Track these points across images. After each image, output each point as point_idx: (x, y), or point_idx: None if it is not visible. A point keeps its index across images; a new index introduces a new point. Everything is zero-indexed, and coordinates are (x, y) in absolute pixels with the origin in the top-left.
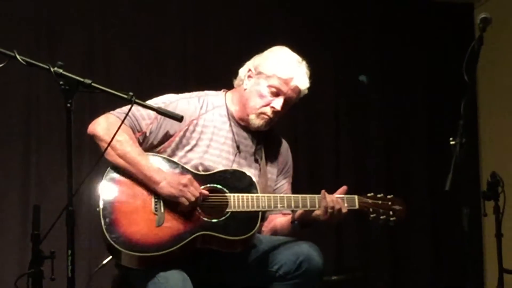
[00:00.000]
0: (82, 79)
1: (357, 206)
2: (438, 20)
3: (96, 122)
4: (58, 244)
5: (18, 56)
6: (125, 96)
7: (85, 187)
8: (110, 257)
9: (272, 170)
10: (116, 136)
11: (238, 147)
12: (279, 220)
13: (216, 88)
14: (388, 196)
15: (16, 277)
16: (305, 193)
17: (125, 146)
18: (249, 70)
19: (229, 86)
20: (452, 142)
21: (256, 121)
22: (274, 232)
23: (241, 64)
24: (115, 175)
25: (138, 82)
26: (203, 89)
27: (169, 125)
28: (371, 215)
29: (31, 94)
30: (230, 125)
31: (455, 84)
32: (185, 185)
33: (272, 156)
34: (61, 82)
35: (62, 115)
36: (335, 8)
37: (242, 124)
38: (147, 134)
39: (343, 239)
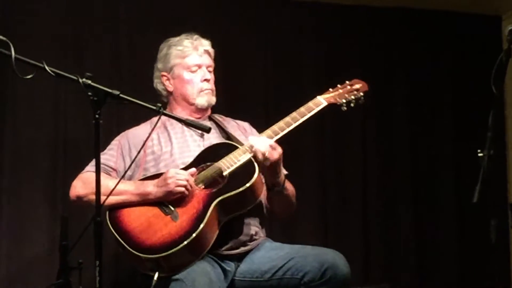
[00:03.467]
0: (110, 90)
1: (325, 103)
2: (466, 32)
3: (72, 187)
4: (86, 255)
5: (47, 67)
6: (154, 107)
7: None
8: (157, 273)
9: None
10: (93, 184)
11: (202, 136)
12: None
13: None
14: (346, 82)
15: (44, 287)
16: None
17: (106, 184)
18: (162, 76)
19: None
20: (480, 154)
21: (202, 100)
22: (274, 203)
23: None
24: (116, 212)
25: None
26: None
27: (133, 152)
28: (342, 104)
29: (58, 106)
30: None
31: (483, 96)
32: (171, 177)
33: (232, 129)
34: (89, 93)
35: (90, 127)
36: (359, 23)
37: (195, 118)
38: (120, 170)
39: (370, 251)
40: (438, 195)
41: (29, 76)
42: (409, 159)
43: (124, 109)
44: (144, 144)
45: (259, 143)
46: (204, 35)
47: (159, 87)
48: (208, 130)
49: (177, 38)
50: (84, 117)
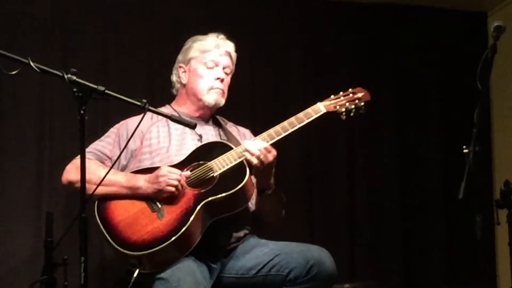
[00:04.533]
0: (95, 86)
1: (324, 110)
2: (451, 29)
3: (65, 171)
4: (71, 251)
5: (32, 63)
6: (139, 104)
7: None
8: (137, 270)
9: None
10: (87, 171)
11: (200, 136)
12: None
13: None
14: (349, 90)
15: (29, 284)
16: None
17: (98, 173)
18: (180, 67)
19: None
20: (465, 150)
21: (210, 98)
22: (263, 208)
23: None
24: (104, 203)
25: (151, 90)
26: None
27: (130, 142)
28: (341, 112)
29: (44, 101)
30: None
31: (468, 93)
32: (163, 175)
33: (232, 133)
34: (74, 89)
35: (75, 122)
36: (344, 19)
37: (197, 116)
38: (114, 158)
39: (357, 248)
40: (425, 191)
41: (14, 72)
42: (396, 155)
43: (111, 104)
44: (132, 135)
45: (253, 145)
46: (229, 38)
47: (174, 78)
48: (193, 127)
49: (204, 35)
50: (70, 111)
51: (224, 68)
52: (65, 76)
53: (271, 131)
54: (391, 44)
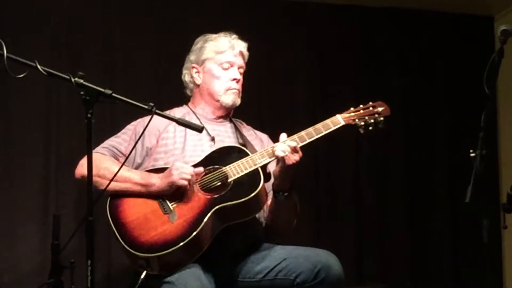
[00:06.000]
0: (102, 89)
1: (342, 122)
2: (458, 33)
3: (80, 165)
4: (78, 254)
5: (39, 66)
6: (146, 107)
7: (105, 196)
8: (145, 272)
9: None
10: (101, 166)
11: (213, 138)
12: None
13: None
14: (369, 103)
15: (36, 287)
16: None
17: (112, 170)
18: (192, 68)
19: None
20: (472, 154)
21: (227, 99)
22: (273, 216)
23: None
24: (116, 201)
25: (159, 93)
26: None
27: (146, 140)
28: (360, 125)
29: (51, 104)
30: (201, 123)
31: (475, 96)
32: (176, 169)
33: (248, 137)
34: (81, 92)
35: (82, 125)
36: (350, 23)
37: (213, 118)
38: (129, 156)
39: (363, 250)
40: (432, 194)
41: (21, 75)
42: (403, 159)
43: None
44: (140, 136)
45: (282, 142)
46: (241, 38)
47: (187, 78)
48: (200, 130)
49: (215, 35)
50: (77, 114)
51: (239, 68)
52: (73, 80)
53: (295, 136)
54: (397, 48)
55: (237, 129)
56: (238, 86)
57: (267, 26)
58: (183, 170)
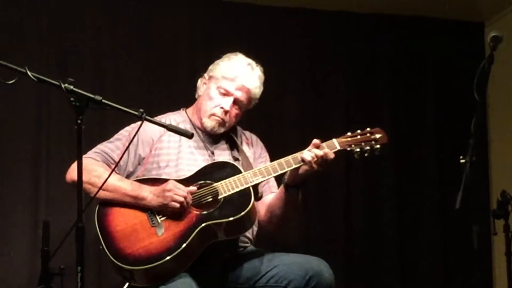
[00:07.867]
0: (92, 96)
1: (338, 147)
2: (449, 39)
3: (71, 169)
4: (68, 261)
5: (29, 72)
6: (136, 113)
7: (95, 203)
8: (127, 284)
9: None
10: (92, 173)
11: (213, 153)
12: (271, 196)
13: None
14: (367, 129)
15: None
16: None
17: (104, 178)
18: (203, 77)
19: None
20: (462, 161)
21: (208, 123)
22: (272, 210)
23: None
24: (105, 209)
25: (149, 99)
26: None
27: (139, 148)
28: (356, 151)
29: (41, 110)
30: (199, 135)
31: (465, 102)
32: (169, 190)
33: (245, 147)
34: (71, 99)
35: (72, 131)
36: (341, 30)
37: (209, 130)
38: (121, 163)
39: (354, 259)
40: (422, 201)
41: (11, 82)
42: (392, 165)
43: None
44: (129, 144)
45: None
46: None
47: (198, 83)
48: (190, 136)
49: (240, 57)
50: (67, 120)
51: (235, 100)
52: (63, 86)
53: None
54: (387, 54)
55: (234, 142)
56: (224, 116)
57: (258, 40)
58: (176, 192)
